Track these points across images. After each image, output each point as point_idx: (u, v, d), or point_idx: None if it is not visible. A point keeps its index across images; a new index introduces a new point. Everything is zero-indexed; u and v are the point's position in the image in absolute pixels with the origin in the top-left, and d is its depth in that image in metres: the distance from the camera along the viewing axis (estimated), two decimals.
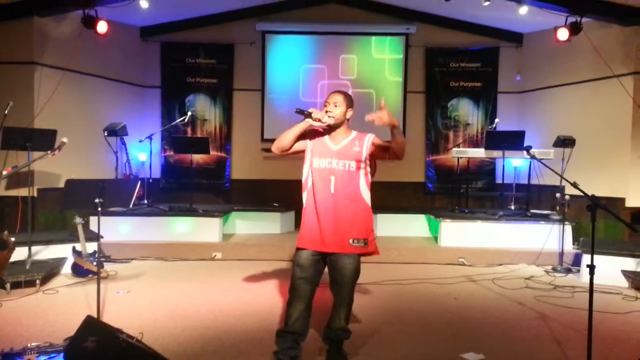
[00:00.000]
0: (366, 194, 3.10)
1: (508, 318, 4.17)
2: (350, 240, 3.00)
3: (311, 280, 3.02)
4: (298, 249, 3.06)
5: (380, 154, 3.11)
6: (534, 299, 4.72)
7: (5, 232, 2.38)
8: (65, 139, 3.69)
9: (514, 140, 6.51)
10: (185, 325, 3.83)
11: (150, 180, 7.40)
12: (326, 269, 3.11)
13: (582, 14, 6.48)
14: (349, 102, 3.09)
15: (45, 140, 5.22)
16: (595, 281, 2.99)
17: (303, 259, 3.00)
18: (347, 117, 3.10)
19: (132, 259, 6.02)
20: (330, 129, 3.09)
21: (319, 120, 3.00)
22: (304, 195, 3.11)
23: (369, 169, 3.12)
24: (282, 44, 8.38)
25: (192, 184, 7.28)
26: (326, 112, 3.03)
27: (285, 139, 3.05)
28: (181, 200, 7.35)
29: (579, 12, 6.48)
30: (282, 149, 3.07)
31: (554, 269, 5.84)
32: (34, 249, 5.20)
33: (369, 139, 3.11)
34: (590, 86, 7.03)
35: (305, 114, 3.00)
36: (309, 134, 3.11)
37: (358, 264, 3.05)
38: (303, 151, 3.13)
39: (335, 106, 3.04)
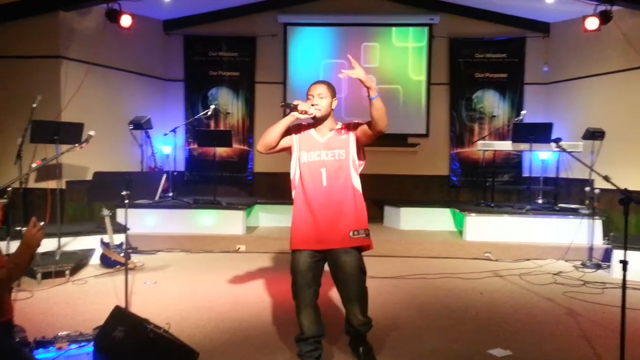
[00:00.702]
0: (357, 181, 2.93)
1: (536, 314, 4.09)
2: (351, 233, 2.84)
3: (312, 283, 2.88)
4: (294, 252, 2.90)
5: (365, 135, 2.90)
6: (562, 294, 4.63)
7: (34, 218, 2.44)
8: (92, 132, 3.73)
9: (541, 133, 6.37)
10: (210, 316, 3.86)
11: (175, 173, 7.47)
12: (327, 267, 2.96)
13: (612, 2, 6.28)
14: (333, 91, 2.94)
15: (72, 133, 5.31)
16: (627, 277, 2.91)
17: (301, 263, 2.85)
18: (332, 107, 2.95)
19: (158, 251, 6.11)
20: (315, 122, 2.94)
21: (305, 113, 2.83)
22: (293, 194, 2.95)
23: (355, 155, 2.93)
24: (304, 36, 8.35)
25: (216, 177, 7.33)
26: (312, 104, 2.87)
27: (270, 136, 2.88)
28: (205, 193, 7.41)
29: (609, 0, 6.28)
30: (269, 147, 2.90)
31: (583, 265, 5.71)
32: (63, 240, 5.31)
33: (354, 125, 2.95)
34: (621, 77, 6.81)
35: (291, 107, 2.84)
36: (293, 128, 2.95)
37: (361, 260, 2.89)
38: (289, 148, 2.97)
39: (321, 98, 2.87)
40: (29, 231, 2.39)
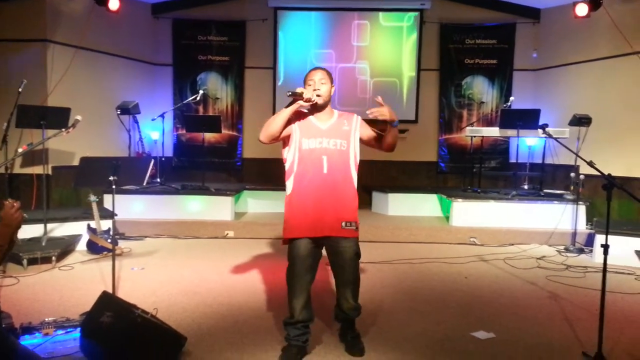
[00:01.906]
0: (355, 177, 2.98)
1: (519, 297, 4.17)
2: (343, 224, 2.88)
3: (310, 269, 2.94)
4: (292, 240, 2.93)
5: (371, 142, 3.05)
6: (545, 278, 4.71)
7: (9, 199, 2.41)
8: (79, 117, 3.70)
9: (529, 119, 6.42)
10: (198, 301, 3.89)
11: (163, 159, 7.44)
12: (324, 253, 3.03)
13: None
14: (331, 78, 2.99)
15: (59, 118, 5.25)
16: (608, 261, 2.97)
17: (302, 250, 2.89)
18: (331, 93, 2.98)
19: (146, 237, 6.11)
20: (314, 109, 2.95)
21: (309, 100, 2.85)
22: (289, 182, 2.96)
23: (358, 150, 3.00)
24: (294, 21, 8.28)
25: (204, 162, 7.30)
26: (314, 89, 2.89)
27: (274, 126, 2.85)
28: (193, 179, 7.39)
29: None
30: (273, 137, 2.87)
31: (567, 249, 5.81)
32: (49, 226, 5.29)
33: (357, 121, 3.03)
34: (609, 63, 6.85)
35: (297, 96, 2.83)
36: (292, 116, 2.93)
37: (357, 246, 2.97)
38: (288, 136, 2.95)
39: (322, 83, 2.91)
40: (7, 211, 2.36)
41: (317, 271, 3.00)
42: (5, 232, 2.38)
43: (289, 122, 2.93)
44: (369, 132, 3.04)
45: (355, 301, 3.04)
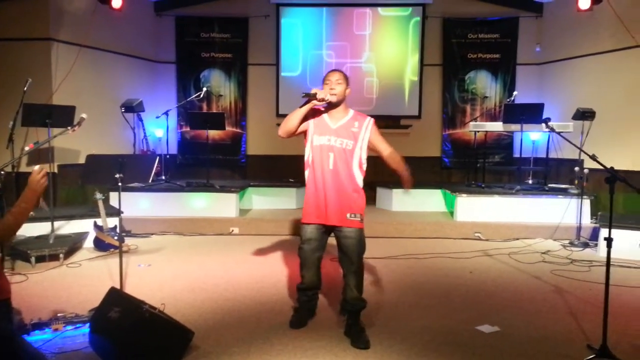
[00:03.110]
0: (359, 176, 3.19)
1: (523, 291, 4.18)
2: (348, 215, 3.14)
3: (318, 249, 3.27)
4: (302, 224, 3.26)
5: (376, 150, 3.27)
6: (550, 273, 4.72)
7: (39, 165, 2.59)
8: (84, 115, 3.71)
9: (532, 113, 6.41)
10: (205, 297, 3.92)
11: (167, 157, 7.47)
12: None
13: None
14: (347, 80, 3.21)
15: (64, 116, 5.29)
16: (612, 255, 2.98)
17: (309, 232, 3.23)
18: (346, 94, 3.19)
19: (152, 234, 6.14)
20: (329, 107, 3.18)
21: (323, 100, 3.07)
22: (306, 173, 3.25)
23: (364, 151, 3.20)
24: (296, 17, 8.29)
25: (208, 159, 7.34)
26: (330, 88, 3.11)
27: (292, 122, 3.14)
28: (198, 176, 7.42)
29: None
30: (290, 132, 3.16)
31: (571, 244, 5.82)
32: (57, 224, 5.34)
33: (369, 125, 3.22)
34: (612, 57, 6.84)
35: (310, 96, 3.06)
36: (309, 113, 3.18)
37: (362, 234, 3.19)
38: (305, 131, 3.23)
39: (338, 83, 3.13)
40: (34, 177, 2.52)
41: (325, 251, 3.32)
42: (31, 196, 2.52)
43: (306, 118, 3.19)
44: (377, 140, 3.24)
45: (359, 292, 3.20)
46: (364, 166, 3.21)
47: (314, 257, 3.27)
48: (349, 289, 3.19)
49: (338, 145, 3.14)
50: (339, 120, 3.19)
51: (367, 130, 3.20)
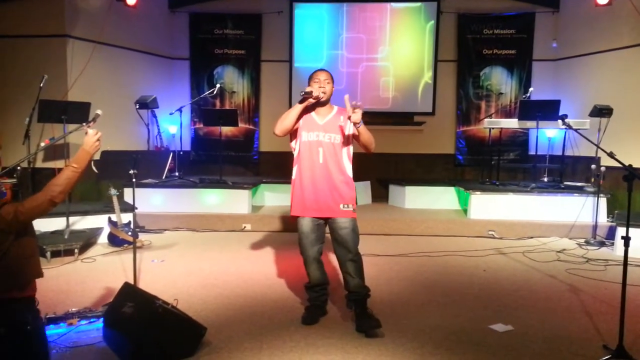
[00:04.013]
0: (348, 167, 3.33)
1: (538, 290, 4.13)
2: (341, 205, 3.26)
3: (315, 242, 3.34)
4: (298, 217, 3.35)
5: (355, 140, 3.34)
6: (565, 271, 4.66)
7: (94, 129, 2.66)
8: (99, 111, 3.73)
9: (548, 110, 6.32)
10: (217, 293, 3.94)
11: (181, 153, 7.52)
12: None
13: None
14: (333, 79, 3.34)
15: (80, 112, 5.34)
16: (630, 254, 2.93)
17: (304, 226, 3.32)
18: (331, 92, 3.32)
19: (165, 230, 6.19)
20: (315, 105, 3.28)
21: (317, 98, 3.20)
22: (294, 169, 3.36)
23: (351, 145, 3.34)
24: (310, 13, 8.27)
25: (221, 156, 7.35)
26: (320, 87, 3.23)
27: (288, 121, 3.24)
28: (211, 173, 7.45)
29: None
30: (287, 130, 3.26)
31: (587, 242, 5.73)
32: (72, 219, 5.39)
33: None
34: (632, 52, 6.70)
35: (308, 94, 3.18)
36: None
37: (355, 224, 3.28)
38: (296, 129, 3.32)
39: (327, 83, 3.27)
40: (89, 138, 2.61)
41: (324, 242, 3.39)
42: (84, 156, 2.61)
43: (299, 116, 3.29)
44: (352, 130, 3.29)
45: (360, 277, 3.27)
46: (351, 157, 3.35)
47: (313, 250, 3.33)
48: (349, 277, 3.26)
49: (327, 140, 3.25)
50: (326, 116, 3.30)
51: (350, 125, 3.26)
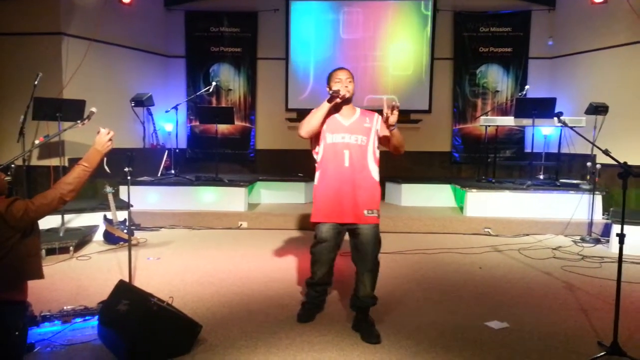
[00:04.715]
0: (374, 170, 3.19)
1: (534, 287, 4.14)
2: (366, 212, 3.11)
3: (333, 249, 3.24)
4: (317, 223, 3.21)
5: (383, 143, 3.24)
6: (560, 269, 4.67)
7: (105, 128, 2.67)
8: (94, 109, 3.71)
9: (544, 108, 6.32)
10: (213, 291, 3.93)
11: (177, 151, 7.48)
12: (347, 238, 3.24)
13: None
14: (353, 77, 3.22)
15: (74, 110, 5.32)
16: (625, 251, 2.93)
17: (324, 232, 3.18)
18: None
19: (161, 227, 6.17)
20: (338, 106, 3.17)
21: (344, 97, 3.09)
22: (318, 173, 3.22)
23: (376, 146, 3.21)
24: (306, 11, 8.25)
25: (218, 154, 7.35)
26: (345, 86, 3.12)
27: (315, 120, 3.11)
28: (207, 170, 7.44)
29: None
30: (314, 131, 3.13)
31: (583, 239, 5.75)
32: (67, 217, 5.38)
33: (378, 120, 3.20)
34: (627, 50, 6.72)
35: (335, 94, 3.07)
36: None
37: (378, 232, 3.15)
38: (320, 132, 3.21)
39: (350, 82, 3.15)
40: (101, 137, 2.61)
41: (340, 247, 3.28)
42: (95, 155, 2.60)
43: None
44: (385, 132, 3.17)
45: (372, 289, 3.16)
46: (378, 159, 3.21)
47: (329, 257, 3.25)
48: (362, 286, 3.13)
49: (353, 142, 3.12)
50: (350, 117, 3.19)
51: (377, 124, 3.20)
